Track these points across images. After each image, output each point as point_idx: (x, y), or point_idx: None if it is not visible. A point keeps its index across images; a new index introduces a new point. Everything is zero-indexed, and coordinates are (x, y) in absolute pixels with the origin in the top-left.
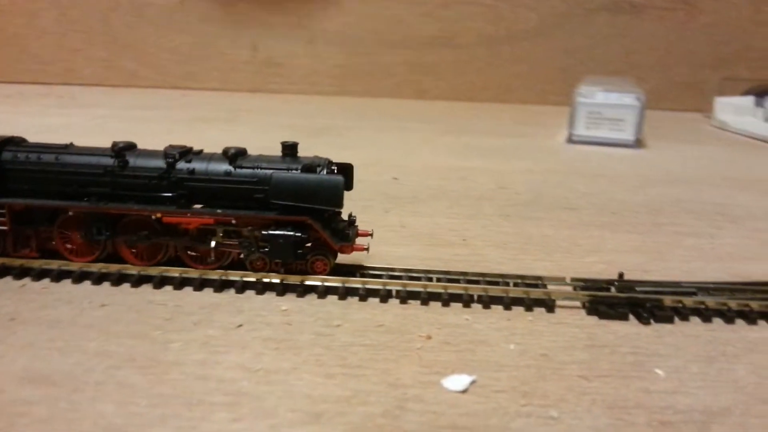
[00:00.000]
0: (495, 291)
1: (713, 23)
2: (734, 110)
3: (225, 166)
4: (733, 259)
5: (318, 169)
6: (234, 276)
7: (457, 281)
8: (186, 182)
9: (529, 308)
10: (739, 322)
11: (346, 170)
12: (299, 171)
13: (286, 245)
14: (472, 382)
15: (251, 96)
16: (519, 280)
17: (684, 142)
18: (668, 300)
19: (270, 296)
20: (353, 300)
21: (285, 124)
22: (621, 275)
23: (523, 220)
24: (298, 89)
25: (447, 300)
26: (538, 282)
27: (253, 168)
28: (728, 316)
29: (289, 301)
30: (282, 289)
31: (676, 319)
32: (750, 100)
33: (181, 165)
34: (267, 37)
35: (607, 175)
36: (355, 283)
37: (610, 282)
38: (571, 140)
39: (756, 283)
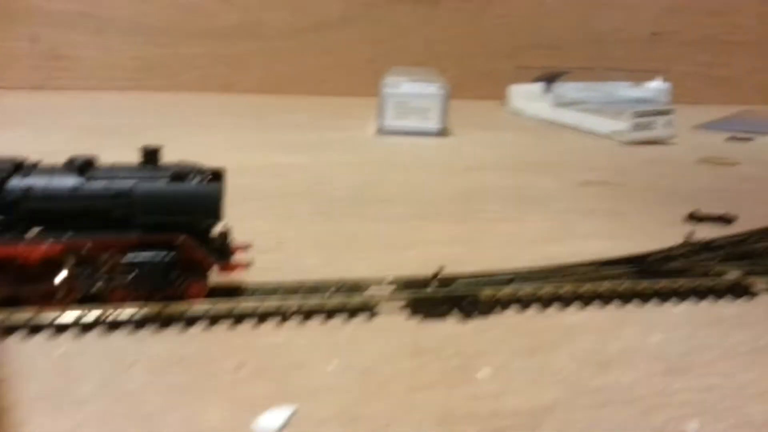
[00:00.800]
0: (313, 301)
1: (506, 14)
2: (527, 97)
3: (72, 180)
4: (543, 242)
5: (189, 177)
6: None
7: (274, 293)
8: (21, 204)
9: (350, 316)
10: (555, 307)
11: (216, 176)
12: (167, 180)
13: (156, 270)
14: (292, 415)
15: (33, 93)
16: (339, 286)
17: (484, 129)
18: (487, 291)
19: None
20: (148, 330)
21: (74, 124)
22: (440, 270)
23: (342, 217)
24: (89, 85)
25: (260, 318)
26: (358, 286)
27: (108, 179)
28: (543, 303)
29: (67, 341)
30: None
31: (496, 310)
32: (540, 86)
33: (14, 182)
34: (47, 26)
35: (418, 165)
36: (153, 308)
37: (430, 278)
38: (381, 131)
39: (565, 266)
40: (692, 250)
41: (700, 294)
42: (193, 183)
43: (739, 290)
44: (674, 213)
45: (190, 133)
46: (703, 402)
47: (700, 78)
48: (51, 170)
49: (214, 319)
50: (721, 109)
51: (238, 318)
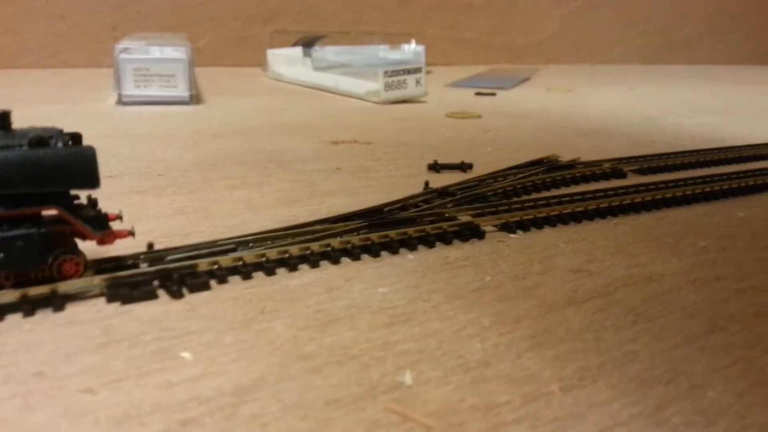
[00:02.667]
0: None
1: None
2: (286, 61)
3: None
4: (282, 205)
5: (52, 142)
6: None
7: None
8: None
9: (28, 312)
10: (281, 271)
11: (75, 140)
12: (26, 147)
13: (26, 248)
14: None
15: None
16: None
17: (241, 95)
18: (203, 264)
19: None
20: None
21: None
22: (150, 246)
23: None
24: None
25: None
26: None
27: None
28: (268, 268)
29: None
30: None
31: (213, 283)
32: (299, 50)
33: None
34: None
35: (159, 135)
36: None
37: (136, 257)
38: (121, 102)
39: (295, 227)
40: (427, 198)
41: (431, 241)
42: (59, 148)
43: (469, 233)
44: (420, 166)
45: None
46: (422, 350)
47: (450, 40)
48: None
49: None
50: (471, 69)
51: None
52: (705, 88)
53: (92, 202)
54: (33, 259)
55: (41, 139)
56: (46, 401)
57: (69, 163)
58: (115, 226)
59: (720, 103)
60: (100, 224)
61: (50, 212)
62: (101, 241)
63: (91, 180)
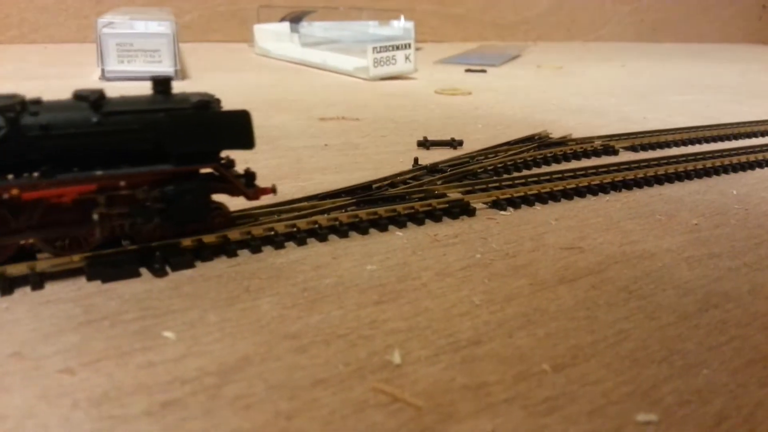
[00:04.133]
0: None
1: None
2: (274, 37)
3: (89, 115)
4: (268, 182)
5: (212, 105)
6: None
7: None
8: (41, 142)
9: (6, 291)
10: (267, 249)
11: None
12: (193, 110)
13: (193, 202)
14: None
15: None
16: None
17: (228, 71)
18: (186, 241)
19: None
20: None
21: None
22: None
23: None
24: None
25: None
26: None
27: (127, 113)
28: (253, 246)
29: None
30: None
31: (197, 261)
32: (286, 26)
33: (27, 120)
34: None
35: None
36: None
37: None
38: (104, 77)
39: (281, 204)
40: (417, 175)
41: (420, 218)
42: (221, 111)
43: (459, 210)
44: (409, 143)
45: None
46: (411, 329)
47: (440, 16)
48: (62, 106)
49: None
50: (461, 45)
51: None
52: (696, 66)
53: (230, 162)
54: (198, 212)
55: (206, 102)
56: (22, 382)
57: (230, 124)
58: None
59: (711, 81)
60: (249, 182)
61: (206, 170)
62: (252, 197)
63: (248, 140)
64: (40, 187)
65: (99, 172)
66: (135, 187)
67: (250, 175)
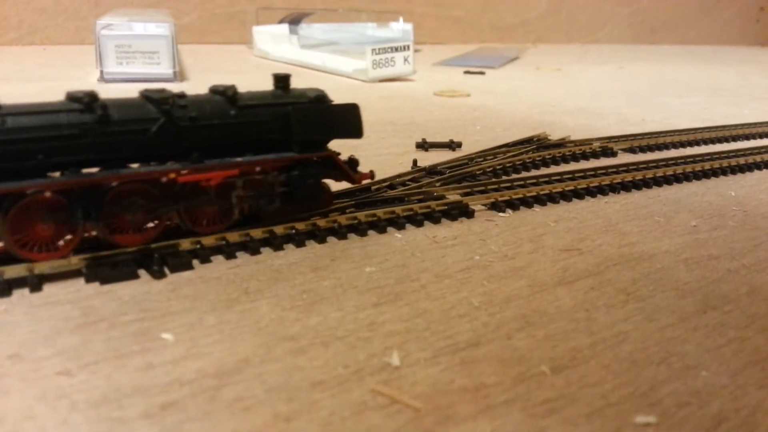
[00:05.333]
0: None
1: None
2: (272, 39)
3: (228, 108)
4: None
5: (326, 99)
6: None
7: None
8: (189, 132)
9: (5, 292)
10: (266, 251)
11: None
12: (312, 103)
13: (314, 186)
14: None
15: None
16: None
17: (226, 73)
18: (185, 244)
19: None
20: None
21: None
22: None
23: None
24: None
25: None
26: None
27: (259, 106)
28: (252, 247)
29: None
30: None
31: (196, 263)
32: (285, 28)
33: (178, 112)
34: None
35: None
36: None
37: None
38: (103, 79)
39: None
40: (416, 177)
41: (419, 220)
42: (337, 104)
43: (458, 212)
44: (408, 144)
45: None
46: (410, 330)
47: (439, 18)
48: (204, 100)
49: None
50: (460, 47)
51: None
52: (694, 68)
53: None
54: (317, 196)
55: (323, 96)
56: (21, 384)
57: (344, 115)
58: None
59: (709, 83)
60: (353, 168)
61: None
62: (357, 181)
63: (359, 130)
64: (193, 171)
65: (239, 159)
66: (266, 172)
67: (353, 162)
